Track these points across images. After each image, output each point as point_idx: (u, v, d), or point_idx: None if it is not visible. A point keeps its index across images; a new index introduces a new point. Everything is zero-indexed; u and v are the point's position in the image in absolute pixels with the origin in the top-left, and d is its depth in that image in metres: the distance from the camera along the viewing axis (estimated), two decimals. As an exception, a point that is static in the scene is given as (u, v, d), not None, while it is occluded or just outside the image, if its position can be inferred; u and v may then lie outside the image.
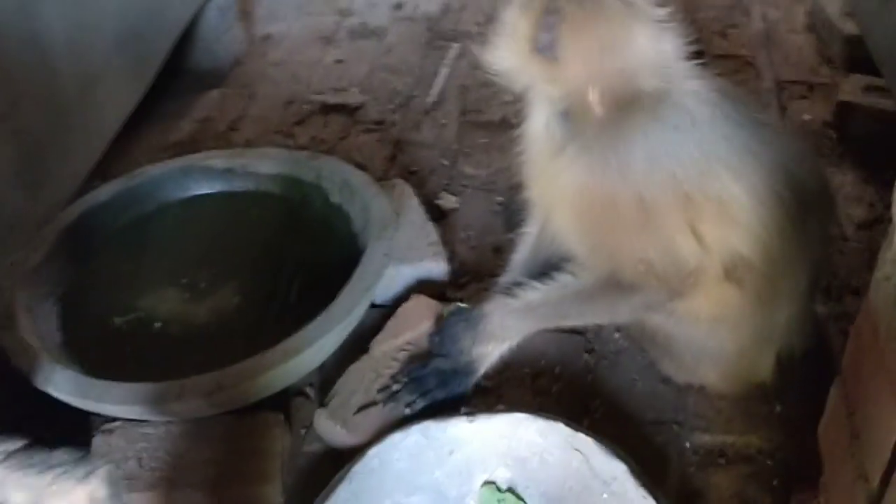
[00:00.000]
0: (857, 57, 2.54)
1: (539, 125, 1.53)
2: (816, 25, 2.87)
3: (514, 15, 1.46)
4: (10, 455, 0.57)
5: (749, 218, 1.41)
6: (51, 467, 0.57)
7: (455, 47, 2.98)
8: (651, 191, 1.39)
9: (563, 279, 1.56)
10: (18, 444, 0.58)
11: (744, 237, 1.42)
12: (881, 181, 2.19)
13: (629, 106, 1.38)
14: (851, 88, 2.37)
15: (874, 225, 2.10)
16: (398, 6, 3.33)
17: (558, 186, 1.50)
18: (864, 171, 2.23)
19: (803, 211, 1.46)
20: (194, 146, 2.54)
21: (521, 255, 1.77)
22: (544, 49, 1.38)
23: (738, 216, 1.41)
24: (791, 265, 1.49)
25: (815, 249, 1.56)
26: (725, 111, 1.42)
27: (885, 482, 0.91)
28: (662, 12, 1.41)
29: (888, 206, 2.12)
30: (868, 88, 2.35)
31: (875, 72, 2.39)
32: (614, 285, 1.48)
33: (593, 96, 1.38)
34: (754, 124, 1.45)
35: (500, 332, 1.61)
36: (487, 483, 1.50)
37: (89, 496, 0.56)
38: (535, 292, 1.57)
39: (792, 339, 1.62)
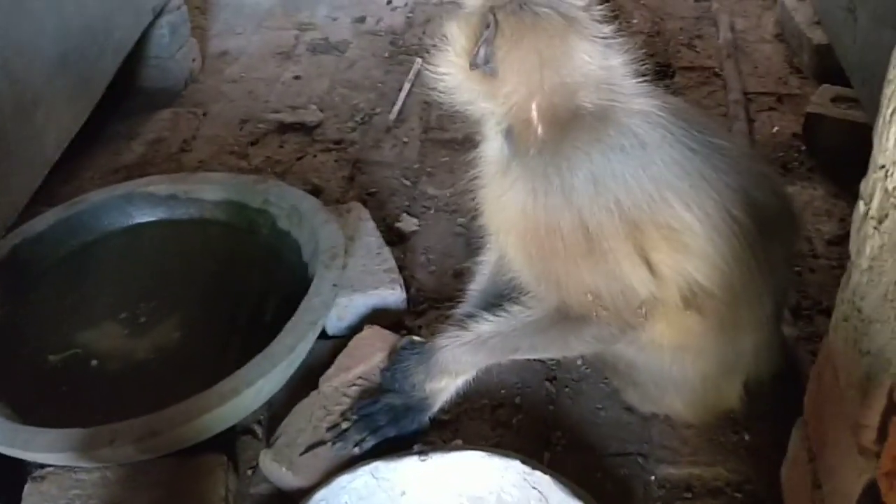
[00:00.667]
0: (827, 66, 2.49)
1: (490, 145, 1.46)
2: (785, 34, 2.82)
3: (453, 29, 1.38)
4: None
5: (703, 246, 1.34)
6: None
7: (418, 62, 2.90)
8: (595, 216, 1.32)
9: (514, 310, 1.48)
10: None
11: (699, 265, 1.35)
12: (852, 195, 2.11)
13: (572, 125, 1.31)
14: (821, 99, 2.31)
15: (844, 241, 2.00)
16: (360, 20, 3.25)
17: (503, 208, 1.42)
18: (834, 185, 2.17)
19: (763, 235, 1.39)
20: (145, 168, 2.45)
21: (478, 284, 1.69)
22: (482, 64, 1.30)
23: (691, 244, 1.33)
24: (753, 292, 1.42)
25: (779, 274, 1.49)
26: (677, 134, 1.34)
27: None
28: (607, 28, 1.34)
29: (859, 221, 2.07)
30: (837, 99, 2.29)
31: (845, 81, 2.33)
32: (564, 317, 1.41)
33: (534, 113, 1.31)
34: (708, 148, 1.37)
35: (454, 367, 1.53)
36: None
37: None
38: (488, 324, 1.49)
39: (759, 366, 1.56)
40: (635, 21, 3.05)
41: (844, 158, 2.20)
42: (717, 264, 1.34)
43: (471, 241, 2.07)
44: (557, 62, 1.29)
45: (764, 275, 1.42)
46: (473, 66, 1.30)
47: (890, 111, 0.80)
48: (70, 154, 2.26)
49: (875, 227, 0.83)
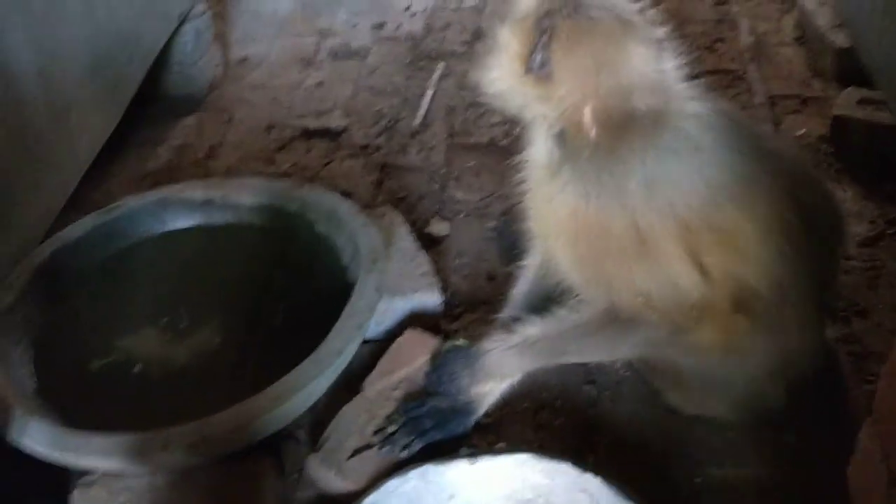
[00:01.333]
0: (850, 69, 2.49)
1: (538, 149, 1.47)
2: (806, 37, 2.83)
3: (505, 33, 1.39)
4: None
5: (755, 248, 1.34)
6: None
7: (440, 67, 2.91)
8: (647, 218, 1.33)
9: (561, 314, 1.48)
10: None
11: (750, 267, 1.35)
12: (881, 196, 2.14)
13: (626, 128, 1.32)
14: (846, 102, 2.32)
15: (876, 242, 2.04)
16: (380, 26, 3.26)
17: (553, 211, 1.43)
18: (863, 187, 2.18)
19: (812, 237, 1.40)
20: (172, 174, 2.46)
21: (521, 288, 1.70)
22: (537, 68, 1.31)
23: (744, 247, 1.34)
24: (800, 293, 1.43)
25: (825, 275, 1.50)
26: (728, 137, 1.35)
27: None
28: (660, 31, 1.35)
29: (889, 222, 2.08)
30: (863, 101, 2.30)
31: (868, 83, 2.34)
32: (613, 320, 1.41)
33: (588, 117, 1.31)
34: (758, 150, 1.38)
35: (499, 370, 1.54)
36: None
37: None
38: (534, 328, 1.50)
39: (802, 367, 1.56)
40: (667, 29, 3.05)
41: (872, 161, 2.23)
42: (767, 266, 1.35)
43: (503, 245, 2.09)
44: (613, 66, 1.30)
45: (811, 277, 1.43)
46: (529, 70, 1.31)
47: None
48: (98, 161, 2.26)
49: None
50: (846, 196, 2.18)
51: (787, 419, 1.61)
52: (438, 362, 1.60)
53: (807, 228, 1.40)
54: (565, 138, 1.36)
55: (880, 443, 1.07)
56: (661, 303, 1.37)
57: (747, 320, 1.43)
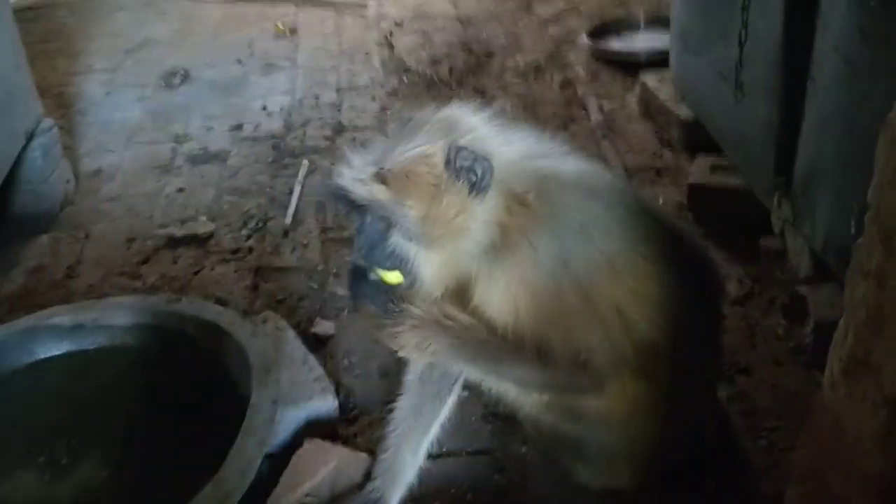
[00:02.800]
0: (696, 138, 2.66)
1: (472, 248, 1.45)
2: (651, 112, 3.00)
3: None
4: None
5: (660, 296, 1.38)
6: None
7: (305, 164, 2.90)
8: (587, 268, 1.36)
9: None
10: None
11: (655, 319, 1.39)
12: (744, 257, 2.26)
13: (544, 191, 1.36)
14: (699, 170, 2.46)
15: (747, 300, 2.15)
16: (237, 127, 3.22)
17: (496, 298, 1.39)
18: (725, 249, 2.29)
19: (701, 299, 1.46)
20: (29, 298, 2.30)
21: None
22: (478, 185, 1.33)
23: (652, 293, 1.38)
24: (694, 352, 1.47)
25: (714, 337, 1.56)
26: (634, 201, 1.44)
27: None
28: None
29: (756, 280, 2.20)
30: (714, 168, 2.45)
31: (715, 150, 2.50)
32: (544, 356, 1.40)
33: (529, 199, 1.34)
34: (648, 207, 1.45)
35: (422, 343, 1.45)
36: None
37: None
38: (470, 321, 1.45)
39: (699, 428, 1.60)
40: (509, 109, 3.16)
41: (731, 223, 2.36)
42: (669, 316, 1.39)
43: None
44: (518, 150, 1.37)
45: (703, 337, 1.49)
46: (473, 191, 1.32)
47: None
48: (-55, 289, 2.10)
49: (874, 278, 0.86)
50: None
51: (691, 481, 1.64)
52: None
53: (697, 290, 1.46)
54: (497, 234, 1.36)
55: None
56: (598, 358, 1.37)
57: (646, 384, 1.45)
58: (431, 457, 1.75)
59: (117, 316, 1.84)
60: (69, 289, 2.36)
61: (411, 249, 1.33)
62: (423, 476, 1.65)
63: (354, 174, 1.32)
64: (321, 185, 1.36)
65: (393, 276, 1.35)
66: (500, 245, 1.35)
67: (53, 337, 1.81)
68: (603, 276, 1.37)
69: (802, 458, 1.14)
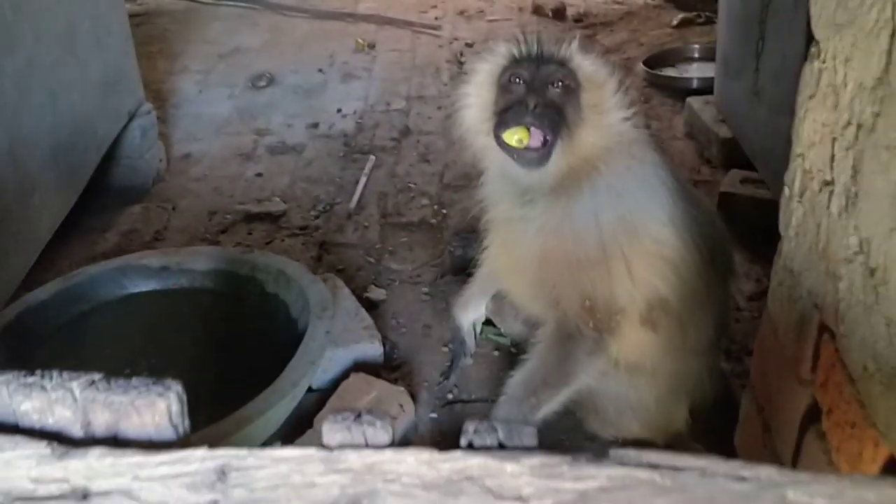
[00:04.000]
0: (733, 156, 2.86)
1: (504, 187, 1.70)
2: (694, 132, 3.21)
3: (481, 91, 1.63)
4: (93, 383, 0.66)
5: (675, 259, 1.59)
6: (130, 388, 0.66)
7: (371, 159, 3.18)
8: (611, 225, 1.57)
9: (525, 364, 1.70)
10: (97, 375, 0.67)
11: (667, 276, 1.59)
12: (764, 259, 2.43)
13: (599, 168, 1.58)
14: (731, 181, 2.66)
15: (762, 297, 2.32)
16: (314, 125, 3.53)
17: (532, 228, 1.63)
18: (749, 252, 2.48)
19: (713, 267, 1.66)
20: (120, 256, 2.61)
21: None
22: (530, 158, 1.55)
23: (667, 255, 1.58)
24: (700, 312, 1.67)
25: (720, 305, 1.75)
26: (671, 175, 1.64)
27: (796, 457, 1.05)
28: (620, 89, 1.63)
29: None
30: (745, 180, 2.64)
31: (749, 167, 2.69)
32: (561, 340, 1.62)
33: (568, 177, 1.57)
34: (686, 190, 1.66)
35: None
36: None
37: (167, 409, 0.65)
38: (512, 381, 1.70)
39: (703, 390, 1.78)
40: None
41: (756, 229, 2.54)
42: (681, 276, 1.60)
43: (436, 305, 2.31)
44: (610, 112, 1.58)
45: (710, 301, 1.68)
46: (519, 154, 1.55)
47: (803, 111, 1.05)
48: (51, 244, 2.41)
49: (798, 201, 1.08)
50: (735, 260, 2.47)
51: (691, 439, 1.82)
52: None
53: (711, 258, 1.66)
54: (555, 170, 1.59)
55: (755, 401, 1.28)
56: (598, 307, 1.59)
57: (652, 334, 1.65)
58: (460, 402, 2.00)
59: (198, 261, 2.11)
60: (156, 249, 2.67)
61: (567, 124, 1.54)
62: (446, 421, 1.88)
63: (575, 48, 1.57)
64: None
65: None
66: (560, 185, 1.58)
67: (142, 275, 2.09)
68: (624, 234, 1.59)
69: (753, 365, 1.34)
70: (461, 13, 4.98)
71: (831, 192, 0.96)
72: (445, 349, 2.15)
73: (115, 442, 0.61)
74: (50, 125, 2.29)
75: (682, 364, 1.72)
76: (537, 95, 1.54)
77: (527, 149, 1.53)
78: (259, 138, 3.44)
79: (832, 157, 0.95)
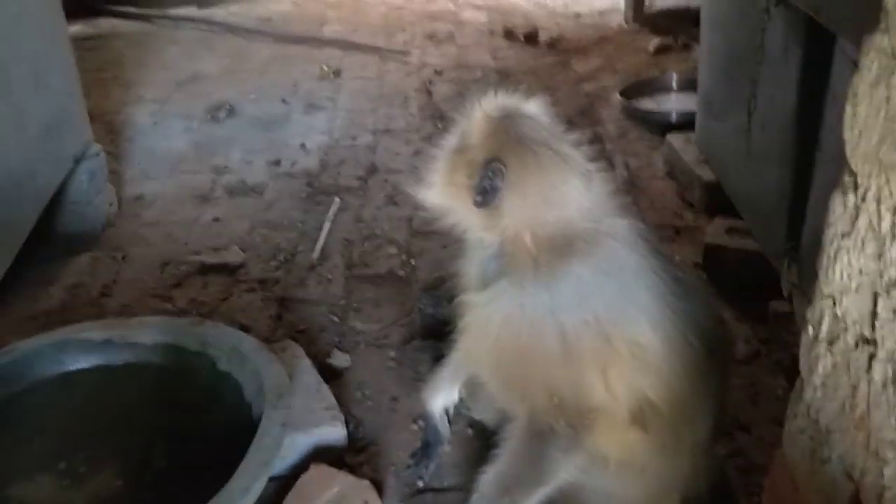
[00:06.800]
0: (716, 200, 2.72)
1: (473, 262, 1.55)
2: (674, 172, 3.07)
3: (450, 160, 1.49)
4: None
5: (661, 364, 1.44)
6: None
7: (336, 202, 3.00)
8: (575, 328, 1.42)
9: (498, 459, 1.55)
10: None
11: (653, 383, 1.45)
12: (753, 317, 2.30)
13: (563, 249, 1.42)
14: (716, 231, 2.52)
15: (752, 360, 2.19)
16: (276, 162, 3.35)
17: (486, 317, 1.50)
18: (736, 310, 2.34)
19: (708, 361, 1.51)
20: (66, 314, 2.42)
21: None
22: (484, 201, 1.42)
23: (651, 361, 1.44)
24: (695, 413, 1.53)
25: (717, 398, 1.61)
26: (648, 259, 1.48)
27: None
28: (588, 160, 1.47)
29: (763, 342, 2.24)
30: (731, 230, 2.51)
31: (734, 213, 2.56)
32: (532, 435, 1.47)
33: (529, 241, 1.42)
34: (669, 274, 1.51)
35: None
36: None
37: None
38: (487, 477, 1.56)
39: (696, 484, 1.64)
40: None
41: (743, 285, 2.41)
42: (670, 383, 1.45)
43: (404, 374, 2.14)
44: (556, 199, 1.41)
45: (706, 398, 1.53)
46: (477, 203, 1.41)
47: (833, 249, 0.91)
48: (-15, 300, 2.22)
49: (827, 349, 0.93)
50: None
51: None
52: None
53: (705, 353, 1.52)
54: (504, 256, 1.45)
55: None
56: (571, 403, 1.44)
57: (643, 435, 1.51)
58: (431, 490, 1.83)
59: (144, 334, 1.93)
60: (104, 307, 2.48)
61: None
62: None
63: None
64: None
65: None
66: (506, 265, 1.43)
67: (82, 350, 1.90)
68: (593, 339, 1.44)
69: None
70: (430, 37, 4.82)
71: (872, 356, 0.81)
72: (415, 427, 1.98)
73: None
74: (-21, 179, 2.10)
75: (675, 461, 1.57)
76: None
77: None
78: (217, 177, 3.25)
79: (873, 314, 0.80)
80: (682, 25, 4.58)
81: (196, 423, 1.80)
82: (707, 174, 2.81)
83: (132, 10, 5.02)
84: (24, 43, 2.37)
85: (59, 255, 2.70)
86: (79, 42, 3.27)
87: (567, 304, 1.41)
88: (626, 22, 4.84)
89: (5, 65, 2.24)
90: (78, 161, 2.68)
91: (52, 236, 2.73)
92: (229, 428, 1.75)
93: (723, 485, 1.77)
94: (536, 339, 1.42)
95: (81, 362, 1.90)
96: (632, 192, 3.00)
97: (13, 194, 2.27)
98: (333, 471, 1.74)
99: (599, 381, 1.43)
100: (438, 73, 4.23)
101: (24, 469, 1.70)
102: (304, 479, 1.72)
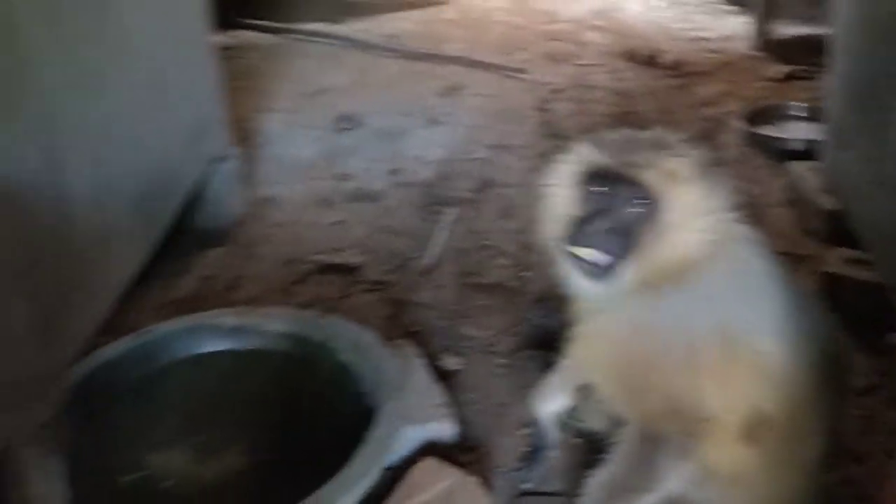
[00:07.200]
0: (838, 230, 2.67)
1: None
2: (794, 200, 3.03)
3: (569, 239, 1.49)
4: None
5: (780, 376, 1.46)
6: None
7: (451, 212, 3.09)
8: (703, 334, 1.46)
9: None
10: None
11: (771, 395, 1.46)
12: (872, 349, 2.26)
13: (696, 254, 1.45)
14: (836, 261, 2.48)
15: (870, 392, 2.15)
16: (394, 172, 3.47)
17: (610, 323, 1.55)
18: (855, 341, 2.29)
19: (826, 380, 1.52)
20: (196, 303, 2.57)
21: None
22: (593, 271, 1.45)
23: (771, 372, 1.46)
24: (809, 431, 1.53)
25: (832, 419, 1.60)
26: (772, 269, 1.51)
27: None
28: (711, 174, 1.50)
29: (881, 374, 2.20)
30: (851, 261, 2.46)
31: (856, 244, 2.51)
32: (644, 441, 1.51)
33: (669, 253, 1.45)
34: (791, 286, 1.52)
35: None
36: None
37: None
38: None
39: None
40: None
41: (861, 316, 2.36)
42: (786, 397, 1.46)
43: (512, 381, 2.20)
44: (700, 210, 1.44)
45: (821, 417, 1.53)
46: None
47: None
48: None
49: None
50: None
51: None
52: None
53: (823, 372, 1.52)
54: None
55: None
56: (685, 412, 1.47)
57: (755, 450, 1.51)
58: (536, 494, 1.88)
59: (272, 323, 2.06)
60: (231, 299, 2.63)
61: (639, 245, 1.43)
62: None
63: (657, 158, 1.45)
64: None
65: None
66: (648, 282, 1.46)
67: (215, 335, 2.05)
68: (718, 347, 1.46)
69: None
70: (549, 57, 4.87)
71: None
72: (522, 432, 2.03)
73: None
74: (134, 173, 2.27)
75: (785, 480, 1.57)
76: (610, 218, 1.45)
77: (592, 263, 1.45)
78: (339, 184, 3.39)
79: None
80: (807, 54, 4.47)
81: (317, 410, 1.90)
82: (829, 203, 2.77)
83: (266, 24, 5.27)
84: (180, 49, 2.56)
85: (192, 249, 2.88)
86: (217, 52, 3.49)
87: (697, 311, 1.45)
88: (751, 49, 4.78)
89: (163, 68, 2.43)
90: (217, 162, 2.86)
91: (186, 231, 2.90)
92: (347, 416, 1.85)
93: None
94: (664, 345, 1.46)
95: (213, 346, 2.05)
96: (750, 218, 2.97)
97: (163, 188, 2.45)
98: (444, 465, 1.81)
99: (719, 389, 1.45)
100: (556, 91, 4.29)
101: (160, 442, 1.84)
102: (416, 470, 1.79)
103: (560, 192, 1.54)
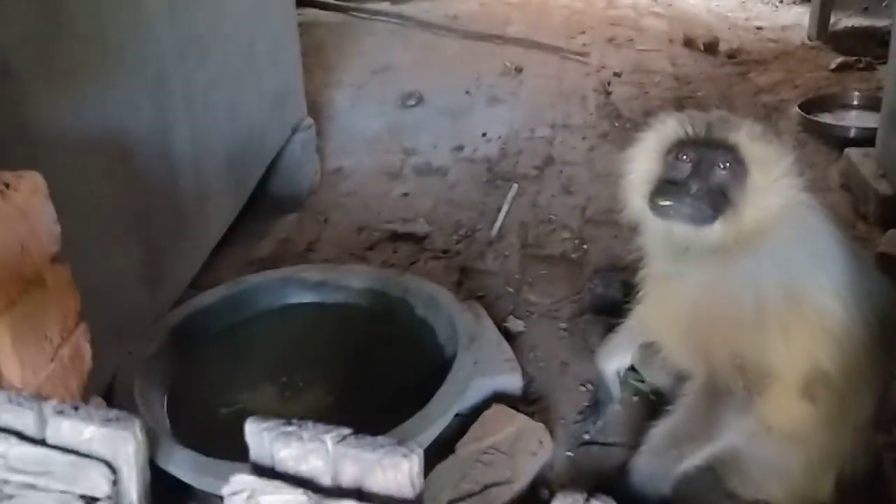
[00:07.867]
0: (892, 215, 2.76)
1: (657, 236, 1.71)
2: (850, 185, 3.11)
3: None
4: (344, 437, 0.73)
5: (839, 332, 1.57)
6: (378, 447, 0.72)
7: (514, 187, 3.23)
8: (771, 292, 1.57)
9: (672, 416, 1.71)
10: (347, 430, 0.74)
11: (830, 352, 1.57)
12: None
13: (767, 232, 1.58)
14: (890, 242, 2.57)
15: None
16: (459, 148, 3.61)
17: (681, 284, 1.66)
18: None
19: (881, 341, 1.62)
20: (276, 263, 2.74)
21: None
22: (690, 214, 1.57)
23: (832, 330, 1.57)
24: (864, 390, 1.64)
25: (885, 380, 1.71)
26: (839, 237, 1.62)
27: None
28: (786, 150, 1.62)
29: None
30: (905, 243, 2.56)
31: (909, 228, 2.60)
32: (709, 394, 1.63)
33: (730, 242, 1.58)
34: (857, 255, 1.63)
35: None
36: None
37: (409, 470, 0.71)
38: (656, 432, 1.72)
39: (853, 463, 1.74)
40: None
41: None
42: (845, 351, 1.57)
43: (574, 343, 2.33)
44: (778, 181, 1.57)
45: (875, 376, 1.64)
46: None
47: None
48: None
49: None
50: None
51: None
52: None
53: (879, 333, 1.63)
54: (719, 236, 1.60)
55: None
56: (749, 367, 1.59)
57: (811, 407, 1.63)
58: (596, 444, 2.01)
59: (354, 279, 2.22)
60: (308, 260, 2.80)
61: (731, 204, 1.55)
62: (581, 461, 1.91)
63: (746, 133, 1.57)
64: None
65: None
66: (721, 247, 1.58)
67: (302, 288, 2.21)
68: (784, 304, 1.58)
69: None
70: (610, 41, 4.98)
71: None
72: (583, 388, 2.17)
73: (360, 495, 0.66)
74: (228, 136, 2.44)
75: (837, 437, 1.68)
76: (701, 179, 1.57)
77: (695, 210, 1.56)
78: (406, 158, 3.55)
79: None
80: (865, 45, 4.54)
81: (396, 358, 2.06)
82: (884, 188, 2.85)
83: (334, 2, 5.44)
84: (268, 22, 2.73)
85: (270, 214, 3.05)
86: (292, 27, 3.71)
87: (767, 270, 1.56)
88: (809, 38, 4.83)
89: (253, 39, 2.60)
90: (294, 130, 3.03)
91: (265, 196, 3.08)
92: (423, 365, 2.00)
93: (877, 472, 1.86)
94: (733, 302, 1.57)
95: (300, 297, 2.21)
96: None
97: (249, 152, 2.62)
98: (513, 412, 1.96)
99: (782, 345, 1.57)
100: (617, 74, 4.39)
101: (250, 381, 2.00)
102: (488, 414, 1.94)
103: (651, 160, 1.65)
